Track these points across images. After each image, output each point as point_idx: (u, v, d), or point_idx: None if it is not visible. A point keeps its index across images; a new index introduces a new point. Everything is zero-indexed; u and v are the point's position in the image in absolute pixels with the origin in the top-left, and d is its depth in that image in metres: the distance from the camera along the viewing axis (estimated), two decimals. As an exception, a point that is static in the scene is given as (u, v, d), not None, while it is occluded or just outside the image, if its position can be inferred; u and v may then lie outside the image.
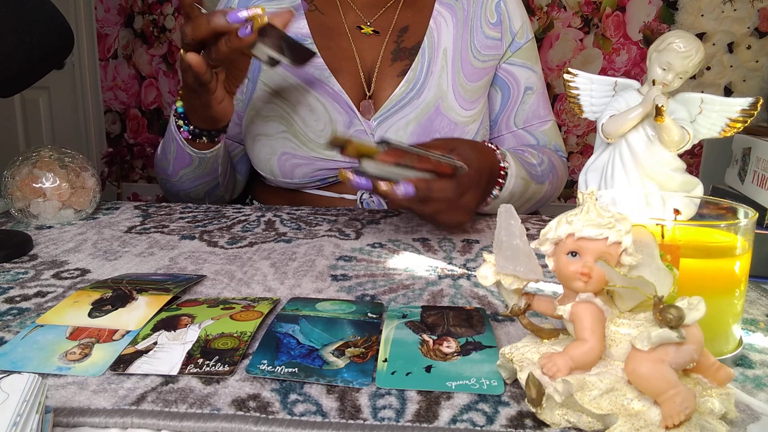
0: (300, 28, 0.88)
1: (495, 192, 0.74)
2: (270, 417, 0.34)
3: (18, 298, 0.50)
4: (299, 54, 0.69)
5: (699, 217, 0.44)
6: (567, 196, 3.02)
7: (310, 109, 0.85)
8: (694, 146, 0.50)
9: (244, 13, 0.62)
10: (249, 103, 0.90)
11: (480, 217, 0.80)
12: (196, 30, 0.65)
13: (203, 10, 0.65)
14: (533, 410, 0.34)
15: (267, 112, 0.87)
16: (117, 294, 0.49)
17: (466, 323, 0.45)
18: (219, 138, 0.80)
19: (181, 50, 0.67)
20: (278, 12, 0.67)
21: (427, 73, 0.87)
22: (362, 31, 0.89)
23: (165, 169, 0.85)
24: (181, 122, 0.77)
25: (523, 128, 0.94)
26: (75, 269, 0.58)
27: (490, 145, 0.75)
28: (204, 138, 0.78)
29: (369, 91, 0.87)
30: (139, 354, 0.40)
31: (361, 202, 0.88)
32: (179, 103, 0.77)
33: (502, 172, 0.74)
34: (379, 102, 0.87)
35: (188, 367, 0.38)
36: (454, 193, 0.62)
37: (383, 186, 0.59)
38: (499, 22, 0.91)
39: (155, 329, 0.44)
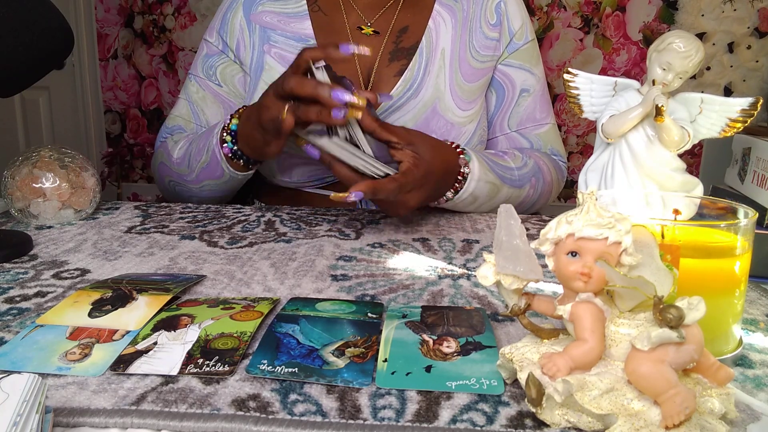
0: (304, 29, 0.88)
1: (449, 194, 0.75)
2: (270, 417, 0.34)
3: (18, 298, 0.50)
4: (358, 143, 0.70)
5: (699, 217, 0.44)
6: (567, 196, 3.02)
7: (309, 108, 0.86)
8: (694, 146, 0.50)
9: (346, 97, 0.63)
10: (250, 101, 0.90)
11: (480, 217, 0.80)
12: (299, 88, 0.65)
13: (318, 73, 0.66)
14: (533, 410, 0.34)
15: None
16: (117, 294, 0.49)
17: (466, 323, 0.45)
18: (255, 166, 0.81)
19: (284, 109, 0.66)
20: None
21: (425, 73, 0.87)
22: (362, 31, 0.89)
23: (183, 175, 0.86)
24: (228, 138, 0.77)
25: (516, 131, 0.93)
26: (75, 269, 0.58)
27: (455, 147, 0.76)
28: (242, 161, 0.79)
29: None
30: (139, 354, 0.40)
31: (361, 202, 0.88)
32: (234, 121, 0.77)
33: (460, 177, 0.75)
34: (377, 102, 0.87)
35: (188, 367, 0.38)
36: (395, 195, 0.66)
37: (339, 194, 0.64)
38: (498, 22, 0.91)
39: (155, 329, 0.44)
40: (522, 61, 0.93)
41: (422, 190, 0.69)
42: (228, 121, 0.77)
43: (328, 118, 0.63)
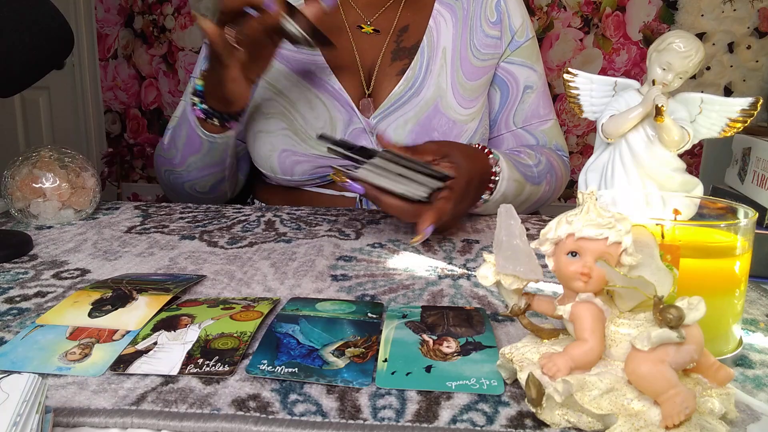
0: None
1: (485, 196, 0.75)
2: (270, 417, 0.34)
3: (18, 298, 0.50)
4: (321, 40, 0.72)
5: (699, 217, 0.44)
6: (567, 196, 3.02)
7: (310, 106, 0.86)
8: (694, 146, 0.50)
9: None
10: (251, 99, 0.90)
11: (480, 217, 0.80)
12: (229, 1, 0.66)
13: None
14: (533, 410, 0.34)
15: (268, 109, 0.88)
16: (117, 294, 0.49)
17: (466, 323, 0.45)
18: (230, 124, 0.81)
19: (199, 16, 0.69)
20: (309, 4, 0.70)
21: (426, 72, 0.87)
22: (362, 30, 0.89)
23: (172, 158, 0.86)
24: (196, 99, 0.78)
25: (522, 127, 0.94)
26: (75, 269, 0.58)
27: (482, 148, 0.75)
28: (216, 120, 0.79)
29: (369, 90, 0.87)
30: (139, 354, 0.40)
31: (361, 201, 0.88)
32: (199, 81, 0.78)
33: (493, 177, 0.74)
34: (379, 100, 0.87)
35: (188, 367, 0.38)
36: (452, 213, 0.65)
37: (418, 238, 0.63)
38: (498, 20, 0.91)
39: (155, 329, 0.44)
40: (524, 58, 0.93)
41: (467, 198, 0.68)
42: (194, 84, 0.78)
43: (266, 16, 0.66)
